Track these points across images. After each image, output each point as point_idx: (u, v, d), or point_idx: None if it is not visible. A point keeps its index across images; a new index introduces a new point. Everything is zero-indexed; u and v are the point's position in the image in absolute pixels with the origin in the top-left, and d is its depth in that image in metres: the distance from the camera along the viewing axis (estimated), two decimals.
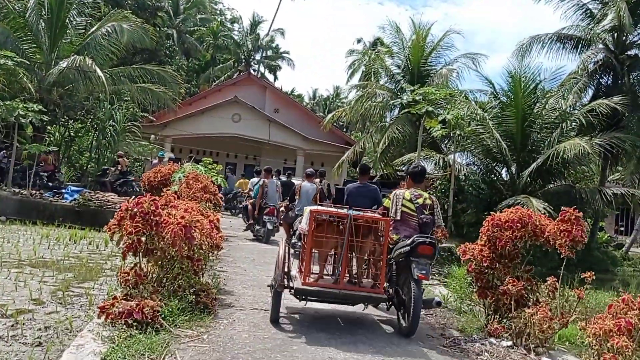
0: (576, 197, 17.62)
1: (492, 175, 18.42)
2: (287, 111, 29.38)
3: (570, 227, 5.46)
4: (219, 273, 7.61)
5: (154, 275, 5.40)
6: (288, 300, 5.80)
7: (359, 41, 53.94)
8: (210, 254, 6.00)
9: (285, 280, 5.39)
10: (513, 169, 17.85)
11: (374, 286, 5.57)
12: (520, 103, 17.22)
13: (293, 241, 8.81)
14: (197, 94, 32.07)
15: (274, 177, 12.05)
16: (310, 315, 5.99)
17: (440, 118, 15.51)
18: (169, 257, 5.36)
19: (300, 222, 7.72)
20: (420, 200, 6.04)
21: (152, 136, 25.64)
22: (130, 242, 5.12)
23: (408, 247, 5.50)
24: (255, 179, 14.26)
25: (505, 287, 5.57)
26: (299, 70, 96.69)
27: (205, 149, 28.33)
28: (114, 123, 21.67)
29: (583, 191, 17.98)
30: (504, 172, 18.81)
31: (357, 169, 9.68)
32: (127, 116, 22.46)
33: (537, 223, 5.79)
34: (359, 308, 6.17)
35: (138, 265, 5.27)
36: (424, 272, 5.38)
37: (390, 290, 5.70)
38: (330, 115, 25.43)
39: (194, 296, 5.24)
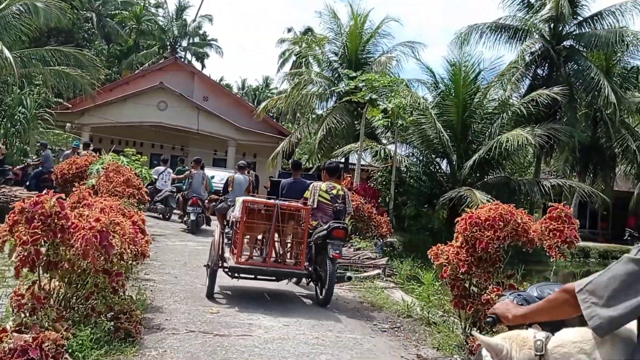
0: (515, 188, 17.50)
1: (433, 167, 17.99)
2: (217, 100, 27.89)
3: (562, 226, 4.74)
4: (144, 283, 6.42)
5: (60, 295, 4.21)
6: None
7: (289, 30, 52.67)
8: (135, 263, 4.83)
9: (220, 261, 6.28)
10: (454, 160, 17.48)
11: (296, 264, 6.57)
12: (461, 93, 16.84)
13: (227, 230, 9.12)
14: (119, 80, 29.90)
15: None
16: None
17: (382, 107, 14.78)
18: (79, 271, 4.18)
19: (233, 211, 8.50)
20: (334, 191, 7.06)
21: (68, 124, 23.51)
22: (26, 254, 3.90)
23: (325, 231, 6.48)
24: (160, 168, 14.69)
25: (488, 297, 4.78)
26: (227, 59, 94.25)
27: (128, 139, 26.37)
28: (24, 110, 19.56)
29: (521, 182, 17.89)
30: (444, 163, 18.44)
31: (290, 165, 10.46)
32: (38, 102, 20.36)
33: (520, 221, 5.04)
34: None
35: (37, 283, 4.05)
36: (337, 251, 6.39)
37: (310, 268, 6.64)
38: (264, 104, 24.25)
39: (112, 322, 4.06)
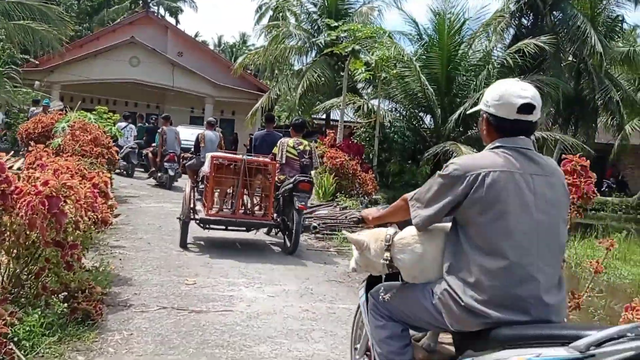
0: None
1: (417, 123, 17.46)
2: (192, 55, 26.78)
3: (578, 180, 4.26)
4: (113, 251, 5.88)
5: (9, 272, 3.66)
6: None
7: None
8: (95, 232, 4.27)
9: (192, 214, 6.71)
10: (438, 114, 16.93)
11: (264, 215, 6.98)
12: (445, 44, 16.17)
13: (201, 187, 9.56)
14: (89, 36, 28.51)
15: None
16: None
17: (364, 59, 14.11)
18: (27, 243, 3.62)
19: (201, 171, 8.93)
20: (301, 147, 7.38)
21: (37, 82, 22.38)
22: None
23: (291, 184, 6.85)
24: (122, 124, 14.69)
25: None
26: (202, 15, 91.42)
27: (101, 97, 25.30)
28: None
29: None
30: (427, 118, 17.90)
31: (263, 118, 10.83)
32: (3, 59, 19.22)
33: None
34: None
35: None
36: (303, 203, 6.77)
37: (278, 219, 7.14)
38: (241, 59, 23.27)
39: (65, 304, 3.51)
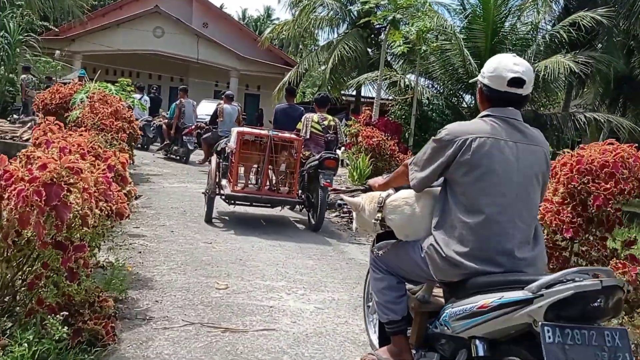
0: (546, 124, 15.93)
1: (456, 100, 16.34)
2: (217, 26, 25.84)
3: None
4: (132, 240, 5.06)
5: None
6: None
7: None
8: (109, 227, 3.43)
9: (217, 189, 6.61)
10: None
11: (289, 192, 6.81)
12: (491, 16, 14.93)
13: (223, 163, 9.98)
14: (111, 4, 27.64)
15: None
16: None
17: (404, 30, 13.01)
18: (22, 243, 2.80)
19: (225, 143, 8.70)
20: (325, 122, 7.28)
21: (57, 52, 21.64)
22: None
23: (317, 161, 6.72)
24: (136, 95, 13.64)
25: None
26: None
27: (124, 69, 24.57)
28: (5, 34, 17.73)
29: (553, 116, 16.31)
30: (467, 96, 16.78)
31: (285, 91, 10.41)
32: (22, 25, 18.49)
33: None
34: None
35: None
36: (328, 180, 6.58)
37: (303, 196, 6.99)
38: (268, 31, 22.22)
39: (66, 327, 2.65)
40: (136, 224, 5.86)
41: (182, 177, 10.38)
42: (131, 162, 9.60)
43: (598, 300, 1.91)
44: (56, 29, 22.03)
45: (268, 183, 6.94)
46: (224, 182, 6.88)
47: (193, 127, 12.44)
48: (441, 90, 16.30)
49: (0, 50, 17.95)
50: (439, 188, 2.43)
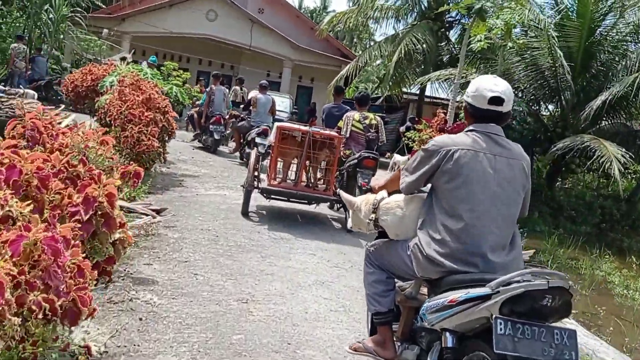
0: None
1: (539, 107, 14.31)
2: (273, 13, 24.29)
3: None
4: (134, 292, 3.48)
5: None
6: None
7: None
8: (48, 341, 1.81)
9: (255, 182, 6.59)
10: (567, 99, 13.71)
11: (326, 189, 6.79)
12: (588, 11, 12.84)
13: (248, 151, 9.77)
14: None
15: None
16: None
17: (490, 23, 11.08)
18: None
19: (256, 133, 9.68)
20: (367, 121, 7.24)
21: (105, 31, 20.62)
22: None
23: (356, 160, 6.85)
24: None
25: None
26: None
27: (173, 52, 23.40)
28: (50, 9, 16.71)
29: None
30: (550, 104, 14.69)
31: (333, 89, 10.19)
32: (68, 0, 17.46)
33: None
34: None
35: None
36: (366, 180, 6.49)
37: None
38: (329, 18, 20.53)
39: None
40: (149, 257, 4.30)
41: (221, 180, 8.86)
42: (163, 160, 8.14)
43: (546, 300, 2.12)
44: (105, 7, 21.10)
45: (305, 179, 6.94)
46: (262, 175, 6.86)
47: (219, 115, 11.83)
48: (522, 96, 14.26)
49: (43, 26, 16.97)
50: (426, 194, 2.62)
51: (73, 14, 17.44)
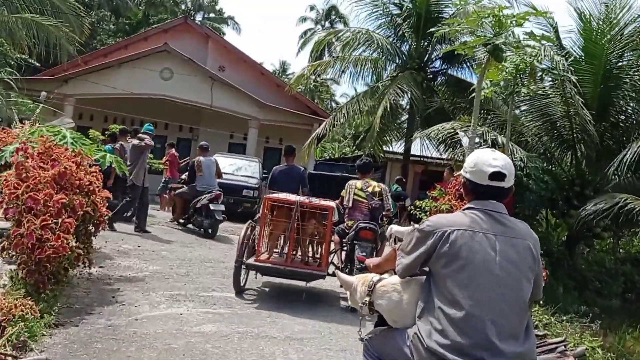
0: None
1: (555, 163, 12.36)
2: (236, 71, 22.34)
3: None
4: None
5: None
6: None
7: (312, 8, 48.94)
8: None
9: (244, 257, 6.08)
10: (583, 152, 11.79)
11: (319, 265, 6.32)
12: (603, 52, 11.12)
13: (200, 219, 9.90)
14: (115, 44, 24.36)
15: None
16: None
17: (508, 64, 9.14)
18: None
19: (207, 200, 9.88)
20: (370, 189, 6.85)
21: (43, 93, 17.94)
22: None
23: (353, 232, 6.44)
24: (108, 146, 10.65)
25: None
26: (244, 40, 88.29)
27: (125, 115, 21.02)
28: None
29: None
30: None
31: (283, 150, 9.02)
32: None
33: None
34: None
35: None
36: (364, 253, 6.18)
37: (347, 270, 6.37)
38: (300, 72, 18.51)
39: None
40: None
41: (177, 282, 6.32)
42: (86, 265, 5.60)
43: None
44: (47, 69, 18.80)
45: (301, 254, 6.52)
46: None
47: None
48: (535, 149, 12.28)
49: None
50: (425, 277, 2.43)
51: (3, 76, 14.96)
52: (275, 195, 6.58)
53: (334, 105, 43.95)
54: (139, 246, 7.96)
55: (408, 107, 15.23)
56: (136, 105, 20.61)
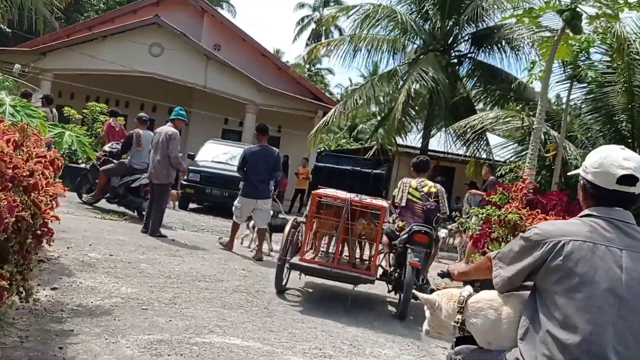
0: None
1: None
2: (233, 50, 20.35)
3: None
4: None
5: None
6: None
7: None
8: None
9: (286, 255, 5.72)
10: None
11: (368, 268, 5.92)
12: None
13: (132, 198, 8.95)
14: (100, 16, 22.22)
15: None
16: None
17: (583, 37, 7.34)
18: None
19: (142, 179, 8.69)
20: (425, 189, 6.33)
21: (17, 66, 16.02)
22: None
23: (406, 235, 5.87)
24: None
25: None
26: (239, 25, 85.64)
27: (109, 92, 19.00)
28: None
29: None
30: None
31: (255, 129, 8.20)
32: None
33: None
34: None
35: None
36: (417, 259, 5.67)
37: (395, 274, 6.01)
38: (309, 49, 16.57)
39: None
40: None
41: (162, 313, 4.47)
42: (23, 299, 3.74)
43: None
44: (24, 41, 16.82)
45: (347, 255, 6.12)
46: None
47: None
48: (583, 147, 10.55)
49: None
50: (528, 292, 2.08)
51: None
52: (324, 191, 6.13)
53: (328, 95, 42.19)
54: (111, 255, 6.08)
55: (427, 94, 13.39)
56: (122, 83, 18.63)
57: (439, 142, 15.51)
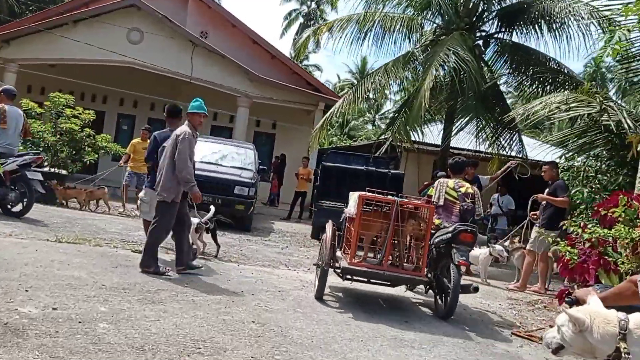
0: None
1: None
2: (222, 38, 18.27)
3: None
4: None
5: None
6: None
7: None
8: None
9: (332, 261, 5.78)
10: None
11: (416, 269, 5.79)
12: None
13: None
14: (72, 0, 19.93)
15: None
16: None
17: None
18: None
19: (18, 164, 7.77)
20: (462, 189, 6.36)
21: None
22: None
23: (450, 234, 5.77)
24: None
25: None
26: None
27: (85, 84, 16.88)
28: None
29: None
30: None
31: (165, 111, 7.08)
32: None
33: None
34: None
35: None
36: (464, 258, 5.64)
37: (430, 275, 5.92)
38: (311, 30, 14.51)
39: None
40: None
41: None
42: None
43: None
44: None
45: (391, 257, 5.85)
46: (338, 253, 5.98)
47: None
48: None
49: None
50: None
51: None
52: (369, 193, 5.88)
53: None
54: (55, 308, 4.04)
55: (451, 80, 11.47)
56: (98, 75, 16.56)
57: (458, 137, 13.62)
